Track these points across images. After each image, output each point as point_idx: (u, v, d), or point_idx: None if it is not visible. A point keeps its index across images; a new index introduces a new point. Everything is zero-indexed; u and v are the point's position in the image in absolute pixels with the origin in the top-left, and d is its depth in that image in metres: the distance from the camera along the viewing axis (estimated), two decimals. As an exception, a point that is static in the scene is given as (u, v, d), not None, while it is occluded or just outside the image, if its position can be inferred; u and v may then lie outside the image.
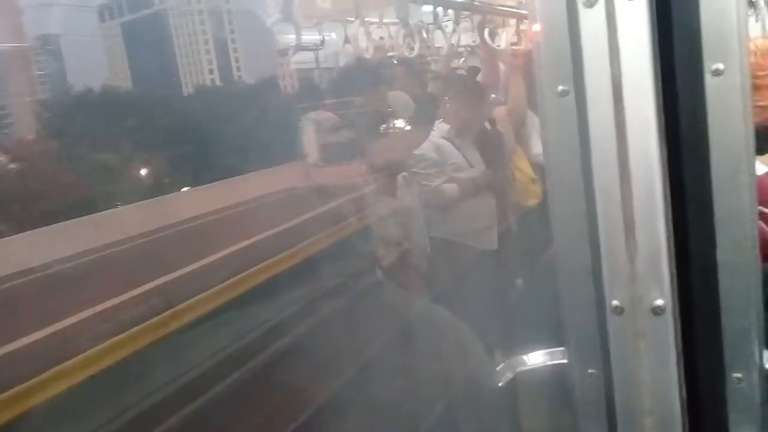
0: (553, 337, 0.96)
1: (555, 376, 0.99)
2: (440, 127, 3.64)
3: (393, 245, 3.22)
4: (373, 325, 3.27)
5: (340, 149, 3.74)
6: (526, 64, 3.91)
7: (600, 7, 0.77)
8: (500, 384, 1.09)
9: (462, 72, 4.32)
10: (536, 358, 1.06)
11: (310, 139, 3.77)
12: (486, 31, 3.88)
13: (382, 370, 3.04)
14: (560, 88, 0.82)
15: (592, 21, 0.78)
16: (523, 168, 4.15)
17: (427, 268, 3.32)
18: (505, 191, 3.94)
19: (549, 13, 0.82)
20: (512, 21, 4.20)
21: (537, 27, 0.84)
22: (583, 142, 0.82)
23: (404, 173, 3.46)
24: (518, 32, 4.08)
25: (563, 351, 0.92)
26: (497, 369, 1.11)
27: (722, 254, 0.81)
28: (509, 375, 1.10)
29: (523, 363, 1.07)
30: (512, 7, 4.11)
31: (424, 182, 3.53)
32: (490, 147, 3.85)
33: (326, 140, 3.77)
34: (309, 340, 4.64)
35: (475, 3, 3.79)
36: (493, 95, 4.08)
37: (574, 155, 0.83)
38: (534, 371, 1.06)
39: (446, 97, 3.72)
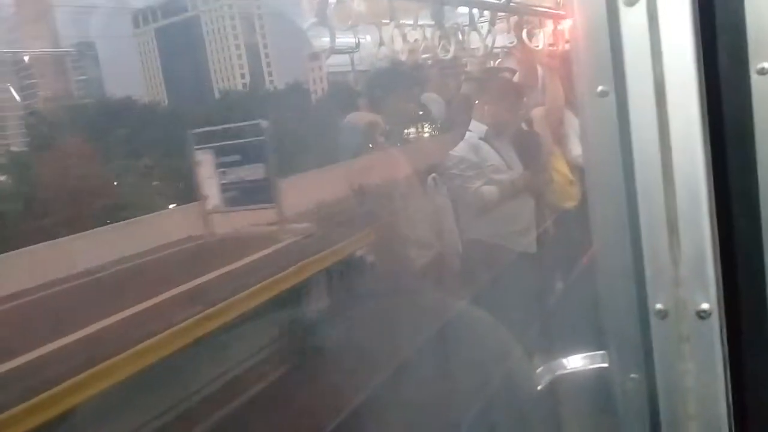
0: (593, 341, 0.95)
1: (595, 380, 0.97)
2: (478, 128, 3.63)
3: (424, 246, 3.21)
4: (411, 326, 3.27)
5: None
6: (563, 64, 3.87)
7: (641, 6, 0.76)
8: (539, 387, 1.08)
9: (498, 73, 4.31)
10: (576, 362, 1.05)
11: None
12: (523, 32, 3.87)
13: (419, 372, 3.04)
14: (600, 88, 0.81)
15: (633, 20, 0.77)
16: (560, 169, 4.12)
17: (465, 270, 3.31)
18: (543, 193, 3.91)
19: (588, 12, 0.81)
20: (549, 22, 4.17)
21: (576, 26, 0.83)
22: (624, 143, 0.81)
23: (434, 174, 3.46)
24: (555, 33, 4.05)
25: (604, 355, 0.91)
26: (536, 372, 1.10)
27: (769, 257, 0.79)
28: (548, 378, 1.09)
29: (563, 366, 1.06)
30: (549, 8, 4.08)
31: (463, 184, 3.52)
32: (527, 148, 3.83)
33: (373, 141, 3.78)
34: (343, 340, 4.66)
35: (512, 4, 3.77)
36: (530, 96, 4.05)
37: (615, 156, 0.82)
38: (574, 375, 1.04)
39: (484, 98, 3.71)
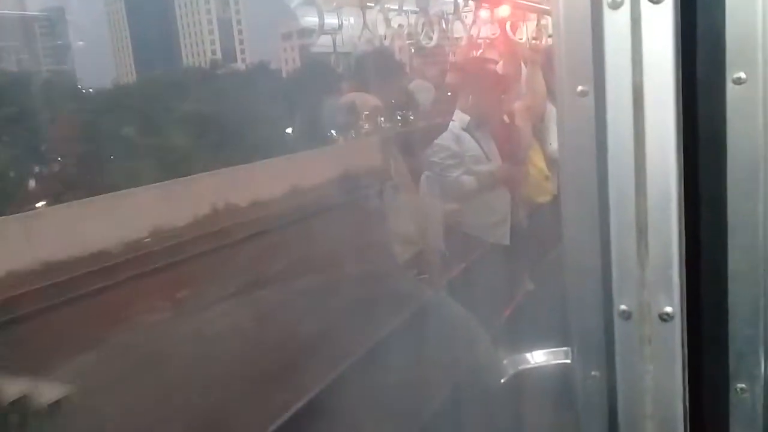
0: (558, 337, 0.96)
1: (558, 375, 0.99)
2: (461, 118, 3.64)
3: (408, 243, 3.22)
4: (382, 313, 3.28)
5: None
6: (546, 59, 3.88)
7: (625, 10, 0.77)
8: (502, 381, 1.09)
9: (481, 63, 4.31)
10: (540, 357, 1.06)
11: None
12: (507, 24, 3.87)
13: (387, 358, 3.05)
14: (580, 88, 0.82)
15: (616, 23, 0.77)
16: (537, 163, 4.14)
17: (442, 261, 3.32)
18: (520, 186, 3.94)
19: (572, 12, 0.81)
20: (533, 16, 4.17)
21: (560, 25, 0.83)
22: (600, 143, 0.82)
23: (428, 172, 3.46)
24: (539, 27, 4.06)
25: (567, 351, 0.92)
26: (500, 365, 1.11)
27: (733, 262, 0.80)
28: (512, 372, 1.10)
29: (527, 361, 1.07)
30: (533, 2, 4.08)
31: (442, 173, 3.53)
32: (507, 141, 3.85)
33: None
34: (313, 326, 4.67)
35: (497, -5, 3.77)
36: (513, 89, 4.06)
37: (590, 156, 0.83)
38: (537, 370, 1.05)
39: (468, 88, 3.70)
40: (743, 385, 0.84)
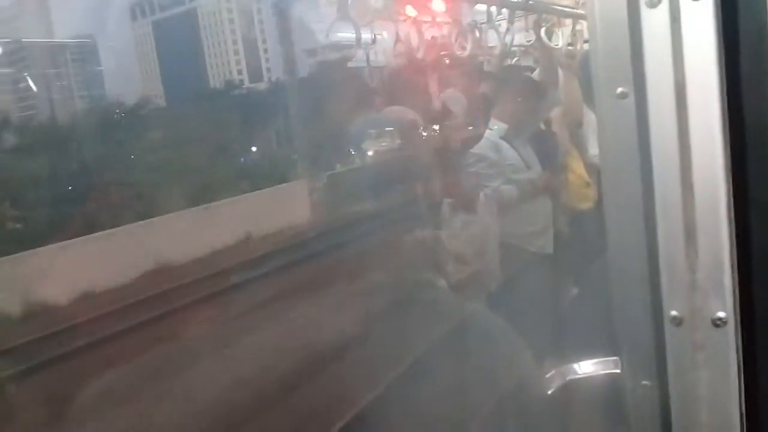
0: (606, 346, 0.94)
1: (607, 386, 0.96)
2: (499, 127, 3.62)
3: (462, 263, 3.20)
4: (422, 326, 3.26)
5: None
6: (582, 65, 3.85)
7: (664, 7, 0.75)
8: (549, 392, 1.07)
9: (516, 71, 4.28)
10: (588, 367, 1.03)
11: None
12: (542, 30, 3.84)
13: (428, 373, 3.03)
14: (619, 90, 0.80)
15: (654, 21, 0.76)
16: (576, 170, 4.10)
17: (488, 273, 3.30)
18: (561, 194, 3.90)
19: (608, 12, 0.80)
20: (568, 21, 4.14)
21: (596, 27, 0.82)
22: (643, 145, 0.80)
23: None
24: (574, 32, 4.02)
25: (616, 361, 0.90)
26: (547, 376, 1.08)
27: (788, 265, 0.78)
28: (559, 383, 1.08)
29: (574, 371, 1.04)
30: (568, 7, 4.05)
31: (482, 182, 3.51)
32: (545, 148, 3.82)
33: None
34: (355, 338, 4.66)
35: (530, 2, 3.74)
36: (550, 96, 4.02)
37: (633, 159, 0.81)
38: (585, 380, 1.03)
39: (505, 97, 3.68)
40: None
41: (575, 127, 4.06)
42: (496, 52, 3.92)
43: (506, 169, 3.57)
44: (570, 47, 3.95)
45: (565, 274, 3.78)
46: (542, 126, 4.03)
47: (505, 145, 3.60)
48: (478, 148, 3.59)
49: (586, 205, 3.99)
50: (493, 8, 3.72)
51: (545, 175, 3.73)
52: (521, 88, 3.78)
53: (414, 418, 2.92)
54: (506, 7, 3.74)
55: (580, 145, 4.12)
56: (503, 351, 2.80)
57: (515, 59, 4.62)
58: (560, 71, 4.08)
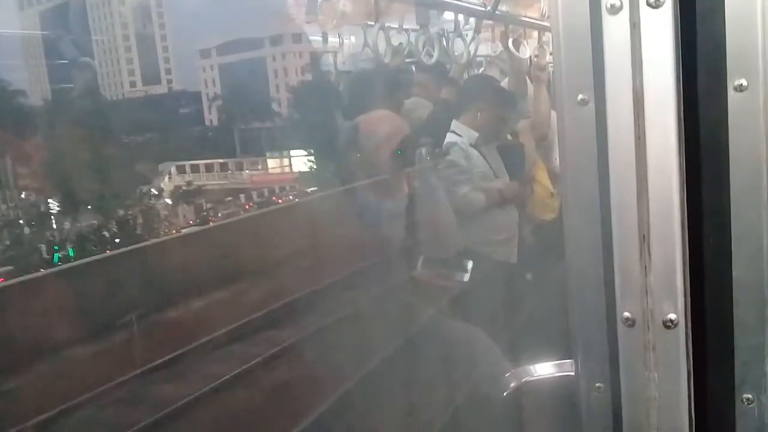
0: (563, 349, 0.95)
1: (562, 388, 0.97)
2: (469, 134, 3.63)
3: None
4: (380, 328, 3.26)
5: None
6: (549, 76, 3.89)
7: (624, 14, 0.76)
8: (504, 393, 1.08)
9: (487, 79, 4.32)
10: (543, 369, 1.04)
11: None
12: (510, 41, 3.88)
13: (389, 373, 3.03)
14: (580, 96, 0.82)
15: (615, 28, 0.77)
16: (542, 181, 4.14)
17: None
18: (526, 204, 3.93)
19: (571, 19, 0.81)
20: (535, 33, 4.19)
21: (559, 34, 0.83)
22: (601, 151, 0.81)
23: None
24: (541, 44, 4.07)
25: (571, 363, 0.91)
26: (503, 378, 1.09)
27: (737, 270, 0.79)
28: (514, 384, 1.08)
29: (530, 373, 1.05)
30: (535, 19, 4.10)
31: (451, 189, 3.51)
32: (512, 158, 3.85)
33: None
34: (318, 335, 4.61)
35: (497, 13, 3.78)
36: (520, 106, 4.05)
37: (592, 164, 0.82)
38: (540, 382, 1.04)
39: (477, 105, 3.69)
40: (749, 396, 0.82)
41: (542, 138, 4.10)
42: (462, 60, 3.94)
43: (475, 176, 3.59)
44: (537, 58, 3.99)
45: (528, 283, 3.81)
46: (509, 137, 4.06)
47: (474, 152, 3.62)
48: (451, 155, 3.59)
49: (551, 215, 4.04)
50: (461, 17, 3.75)
51: (512, 184, 3.76)
52: (492, 96, 3.81)
53: (373, 418, 2.91)
54: (473, 17, 3.78)
55: (547, 156, 4.16)
56: (462, 354, 2.82)
57: (481, 69, 4.66)
58: (529, 83, 4.12)
